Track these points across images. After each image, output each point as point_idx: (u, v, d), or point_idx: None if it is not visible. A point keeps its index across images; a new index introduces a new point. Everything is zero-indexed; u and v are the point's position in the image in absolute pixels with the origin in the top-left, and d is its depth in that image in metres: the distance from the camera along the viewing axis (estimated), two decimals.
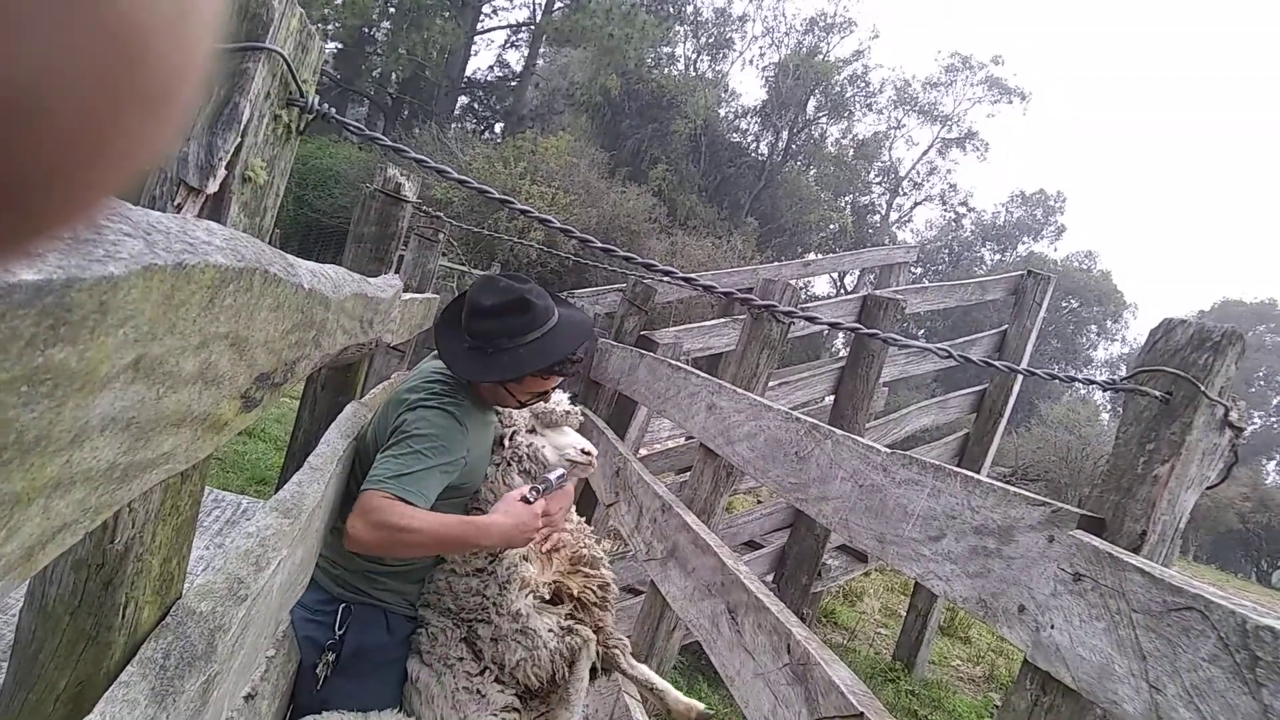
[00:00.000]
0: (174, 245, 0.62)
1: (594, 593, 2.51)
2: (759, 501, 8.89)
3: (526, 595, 2.41)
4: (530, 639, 2.37)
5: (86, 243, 0.48)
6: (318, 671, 2.35)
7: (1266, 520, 35.54)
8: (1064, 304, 43.01)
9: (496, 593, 2.42)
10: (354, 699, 2.36)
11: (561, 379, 2.57)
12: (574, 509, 2.73)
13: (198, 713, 1.11)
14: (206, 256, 0.68)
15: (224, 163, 1.13)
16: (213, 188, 1.12)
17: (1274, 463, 51.41)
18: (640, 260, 2.30)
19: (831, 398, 6.58)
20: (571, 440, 2.67)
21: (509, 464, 2.58)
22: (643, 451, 6.32)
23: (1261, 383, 51.65)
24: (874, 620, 8.49)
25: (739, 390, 3.10)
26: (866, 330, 2.30)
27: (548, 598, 2.46)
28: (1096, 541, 1.43)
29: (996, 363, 2.21)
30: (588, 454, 2.65)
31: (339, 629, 2.38)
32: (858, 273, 29.47)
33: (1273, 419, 51.73)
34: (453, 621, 2.46)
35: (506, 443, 2.61)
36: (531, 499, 2.38)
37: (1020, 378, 7.67)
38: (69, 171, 0.22)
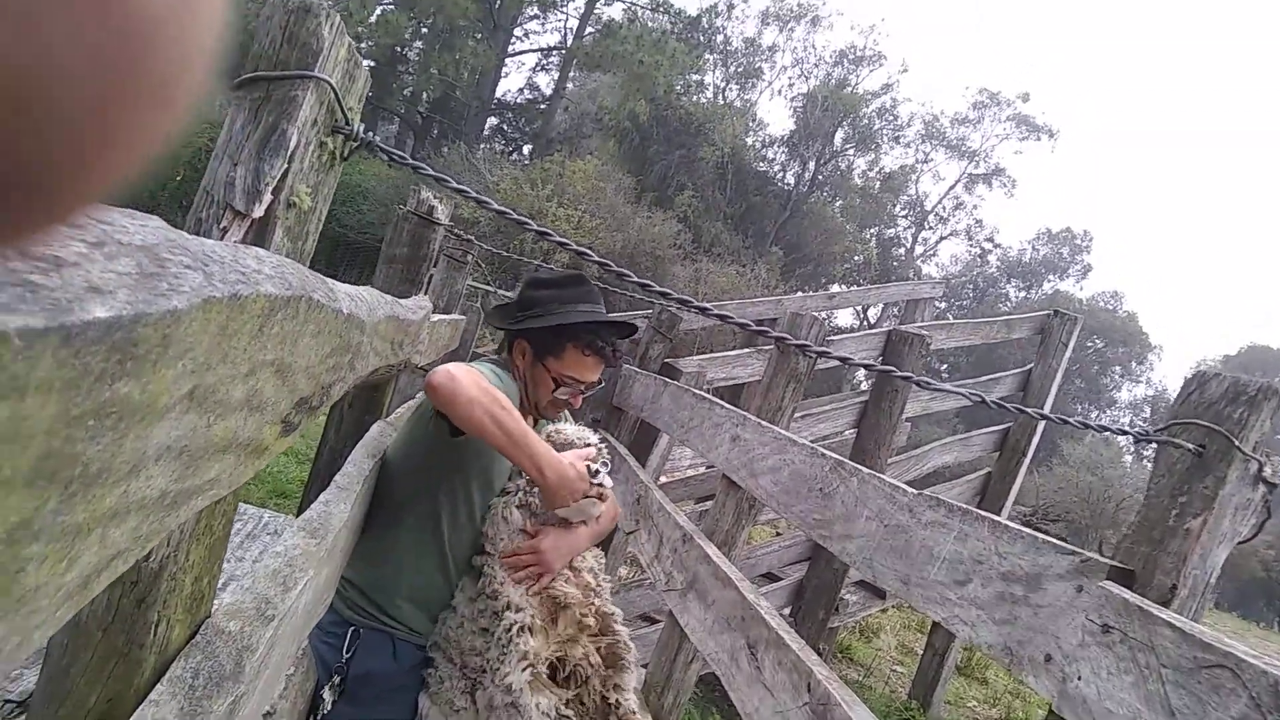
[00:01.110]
0: (229, 276, 0.62)
1: (590, 665, 2.29)
2: (778, 533, 8.85)
3: (524, 669, 2.19)
4: (520, 717, 2.16)
5: (152, 276, 0.49)
6: (324, 694, 2.30)
7: None
8: (1089, 344, 42.75)
9: (496, 657, 2.24)
10: None
11: (599, 374, 2.55)
12: (597, 558, 2.55)
13: None
14: (258, 286, 0.68)
15: (270, 188, 1.14)
16: (258, 212, 1.14)
17: None
18: (656, 289, 2.29)
19: (854, 431, 6.55)
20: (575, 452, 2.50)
21: (512, 495, 2.43)
22: (663, 479, 6.31)
23: None
24: (890, 657, 8.42)
25: (764, 423, 3.09)
26: (900, 374, 2.29)
27: (547, 674, 2.24)
28: (1126, 594, 1.41)
29: (1027, 409, 2.19)
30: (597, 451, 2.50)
31: (346, 652, 2.33)
32: (881, 305, 29.45)
33: None
34: (459, 671, 2.32)
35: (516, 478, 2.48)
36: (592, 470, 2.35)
37: (1042, 424, 7.62)
38: (73, 161, 0.23)
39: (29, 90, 0.20)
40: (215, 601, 1.28)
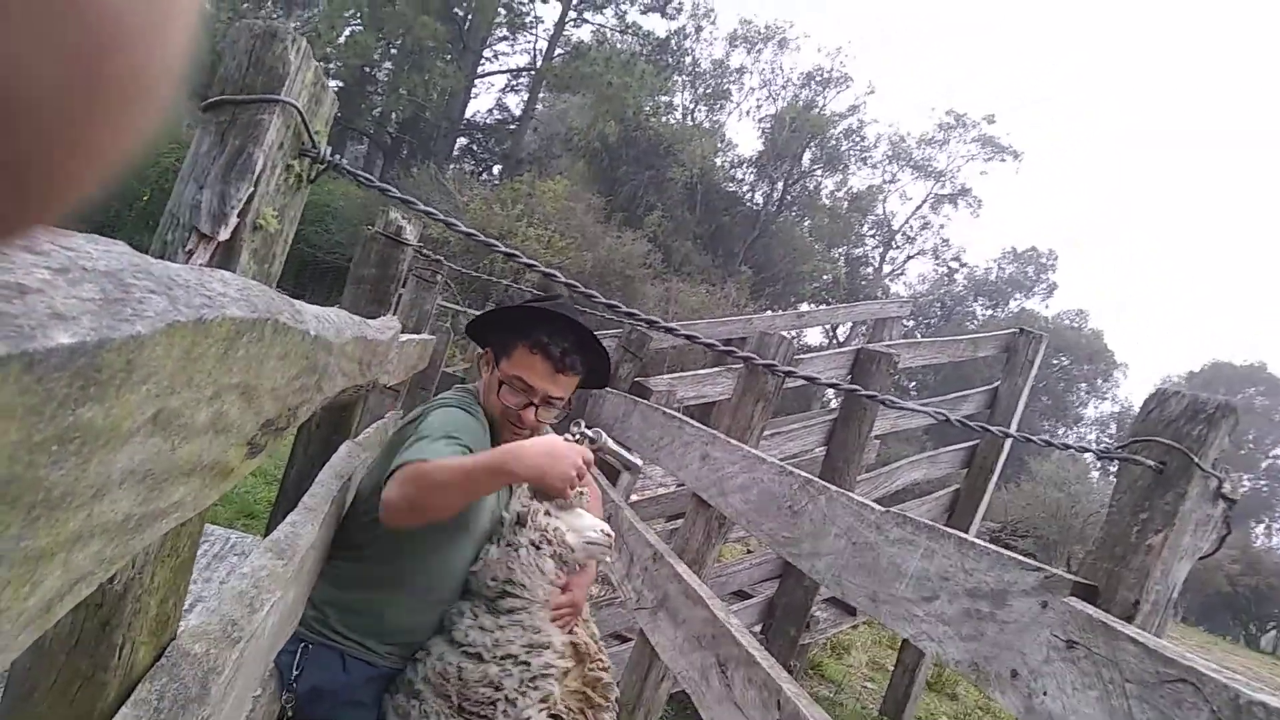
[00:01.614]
0: (194, 300, 0.62)
1: (587, 709, 2.27)
2: (749, 550, 8.86)
3: (542, 711, 2.17)
4: None
5: (116, 301, 0.49)
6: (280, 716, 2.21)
7: (1255, 583, 35.50)
8: (1055, 361, 43.18)
9: (514, 687, 2.17)
10: None
11: (556, 385, 2.37)
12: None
13: None
14: (224, 309, 0.69)
15: (236, 211, 1.14)
16: (225, 235, 1.14)
17: (1263, 525, 51.38)
18: (624, 309, 2.31)
19: (823, 449, 6.58)
20: (589, 523, 2.42)
21: (538, 546, 2.31)
22: (634, 497, 6.30)
23: (1250, 446, 51.70)
24: (861, 674, 8.44)
25: (733, 441, 3.10)
26: (865, 393, 2.31)
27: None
28: (1090, 609, 1.43)
29: (993, 428, 2.22)
30: (608, 535, 2.41)
31: (295, 668, 2.23)
32: (850, 324, 29.62)
33: (1262, 482, 51.73)
34: (449, 708, 2.19)
35: (531, 521, 2.35)
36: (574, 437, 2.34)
37: (1009, 442, 7.68)
38: (44, 167, 0.23)
39: (17, 94, 0.21)
40: (181, 624, 1.27)
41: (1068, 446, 2.15)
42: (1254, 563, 35.99)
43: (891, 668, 7.50)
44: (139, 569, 1.09)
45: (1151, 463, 1.69)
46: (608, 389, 5.57)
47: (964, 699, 8.67)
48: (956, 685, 8.83)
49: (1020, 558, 1.61)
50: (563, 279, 2.25)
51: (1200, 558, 1.70)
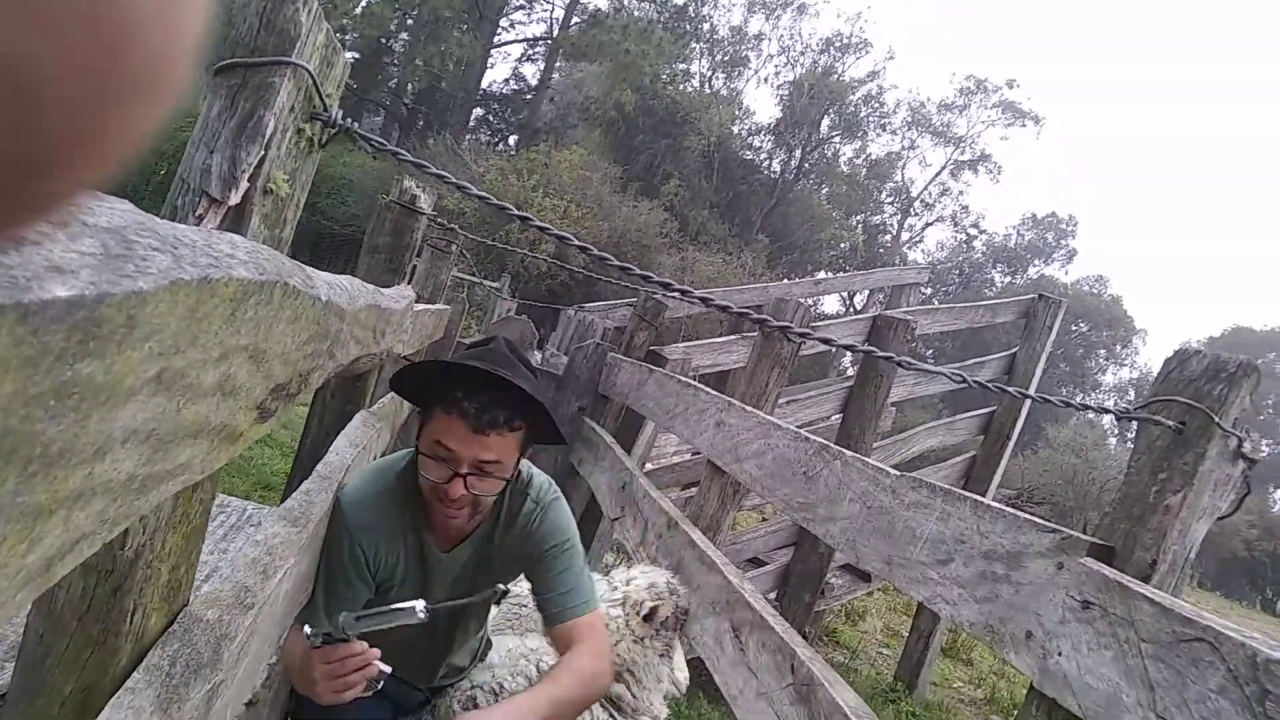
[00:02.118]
0: (199, 259, 0.62)
1: None
2: (764, 519, 8.86)
3: None
4: None
5: (118, 257, 0.49)
6: None
7: (1273, 548, 35.33)
8: (1073, 328, 42.92)
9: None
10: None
11: (480, 447, 1.97)
12: None
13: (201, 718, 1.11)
14: (230, 270, 0.68)
15: (246, 175, 1.14)
16: (235, 199, 1.13)
17: None
18: (638, 272, 2.29)
19: (839, 417, 6.56)
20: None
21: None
22: (649, 466, 6.32)
23: (1270, 411, 51.32)
24: (876, 640, 8.45)
25: (748, 408, 3.10)
26: (881, 354, 2.30)
27: None
28: (1106, 570, 1.42)
29: (1010, 389, 2.21)
30: None
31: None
32: (867, 292, 29.52)
33: None
34: None
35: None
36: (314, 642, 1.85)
37: (1029, 401, 7.64)
38: (57, 156, 0.23)
39: (12, 85, 0.21)
40: (194, 593, 1.28)
41: (1086, 407, 2.14)
42: (1272, 528, 35.80)
43: (906, 634, 7.50)
44: (150, 535, 1.09)
45: (1171, 423, 1.67)
46: (622, 357, 5.57)
47: (979, 664, 8.67)
48: (972, 650, 8.82)
49: (1036, 520, 1.60)
50: (577, 242, 2.22)
51: (1219, 518, 1.69)
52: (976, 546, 1.68)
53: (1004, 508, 1.69)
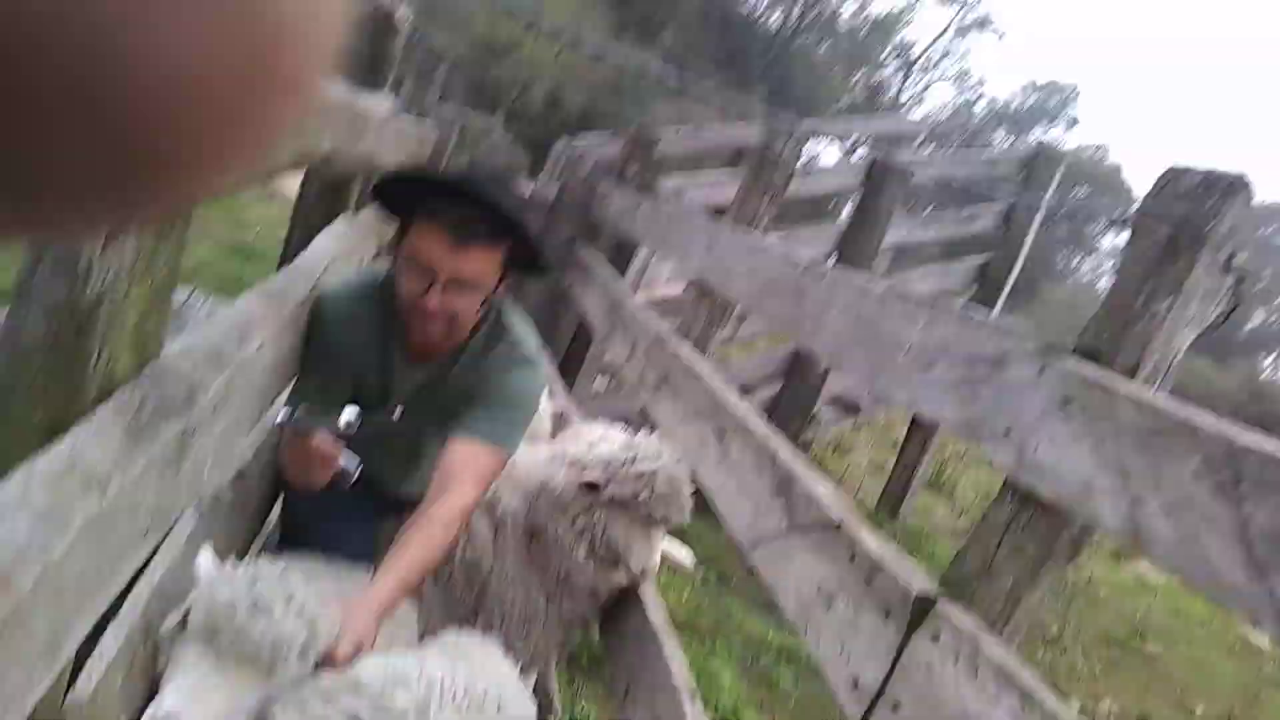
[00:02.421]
0: None
1: None
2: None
3: None
4: None
5: None
6: None
7: (1259, 413, 35.93)
8: (1074, 194, 42.60)
9: None
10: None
11: (459, 258, 1.94)
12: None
13: (174, 461, 1.11)
14: None
15: None
16: None
17: (1273, 358, 51.49)
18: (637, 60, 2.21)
19: (834, 260, 6.52)
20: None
21: None
22: (640, 297, 6.33)
23: (1266, 281, 51.36)
24: (861, 471, 8.55)
25: (739, 231, 3.06)
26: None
27: None
28: (1088, 369, 1.42)
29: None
30: None
31: None
32: (866, 150, 29.07)
33: (1272, 318, 51.60)
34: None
35: None
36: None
37: (1024, 251, 7.61)
38: (205, 152, 0.25)
39: (168, 88, 0.22)
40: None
41: (1088, 217, 2.11)
42: (1258, 393, 36.34)
43: (891, 468, 7.59)
44: (110, 283, 1.07)
45: (1163, 231, 1.64)
46: (615, 188, 5.48)
47: (961, 498, 8.83)
48: (955, 484, 8.96)
49: (1021, 331, 1.59)
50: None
51: (1206, 327, 1.67)
52: (960, 353, 1.68)
53: (988, 319, 1.68)
